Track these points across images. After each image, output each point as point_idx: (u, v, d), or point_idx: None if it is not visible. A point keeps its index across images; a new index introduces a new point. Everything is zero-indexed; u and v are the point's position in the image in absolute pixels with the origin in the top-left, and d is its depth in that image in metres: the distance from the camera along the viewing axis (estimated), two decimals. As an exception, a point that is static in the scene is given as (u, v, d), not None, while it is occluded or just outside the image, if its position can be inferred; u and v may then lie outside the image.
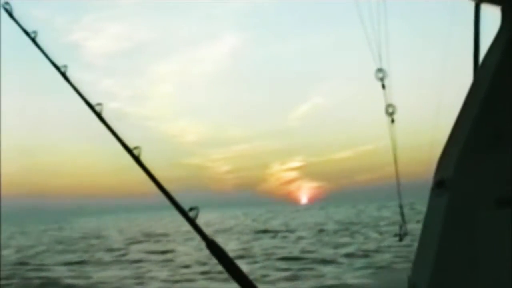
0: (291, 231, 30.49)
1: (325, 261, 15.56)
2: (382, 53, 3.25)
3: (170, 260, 17.78)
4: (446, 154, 2.77)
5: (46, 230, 49.41)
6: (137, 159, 2.25)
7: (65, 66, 2.43)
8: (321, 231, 29.00)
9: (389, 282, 11.37)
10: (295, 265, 15.07)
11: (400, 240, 3.47)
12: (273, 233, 29.29)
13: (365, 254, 16.55)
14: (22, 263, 18.41)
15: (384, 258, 15.36)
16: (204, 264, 16.30)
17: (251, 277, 2.01)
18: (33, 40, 2.48)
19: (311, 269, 14.24)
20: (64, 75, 2.43)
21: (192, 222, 2.15)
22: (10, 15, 2.52)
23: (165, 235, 33.09)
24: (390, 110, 3.25)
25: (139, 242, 28.14)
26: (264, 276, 13.46)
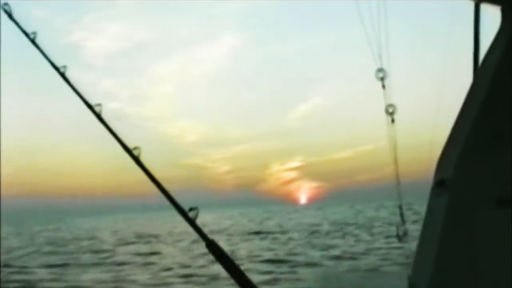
0: (284, 232, 30.40)
1: (309, 264, 15.24)
2: (382, 53, 3.27)
3: (153, 263, 17.52)
4: (446, 154, 2.78)
5: (41, 230, 49.16)
6: (136, 160, 2.26)
7: (65, 67, 2.44)
8: (313, 232, 29.00)
9: (388, 282, 11.40)
10: (277, 268, 14.78)
11: (399, 240, 3.49)
12: (265, 234, 28.97)
13: (352, 257, 16.42)
14: (6, 265, 18.19)
15: (370, 261, 15.12)
16: (186, 267, 16.24)
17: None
18: (33, 41, 2.49)
19: (293, 272, 13.90)
20: (63, 75, 2.44)
21: (191, 222, 2.17)
22: (10, 16, 2.53)
23: (157, 236, 33.03)
24: (390, 110, 3.27)
25: (129, 243, 28.00)
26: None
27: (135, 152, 2.27)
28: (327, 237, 24.92)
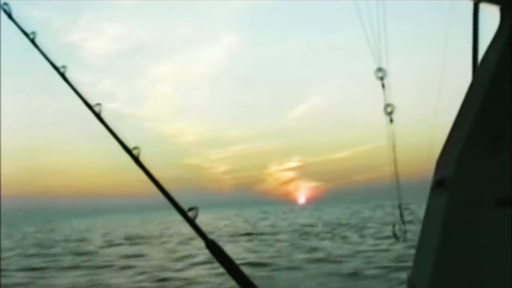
0: (274, 233, 30.29)
1: (289, 268, 14.79)
2: (382, 52, 3.30)
3: (133, 266, 17.21)
4: (445, 154, 2.80)
5: (35, 231, 48.91)
6: (136, 159, 2.28)
7: (64, 67, 2.47)
8: (304, 233, 28.87)
9: (388, 282, 11.43)
10: (255, 272, 14.31)
11: (397, 240, 3.52)
12: (255, 235, 28.58)
13: (335, 260, 16.14)
14: (-14, 268, 17.65)
15: (353, 264, 14.67)
16: (165, 270, 16.11)
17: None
18: (32, 41, 2.51)
19: (269, 277, 13.45)
20: (63, 75, 2.46)
21: (191, 222, 2.18)
22: (9, 16, 2.55)
23: (146, 237, 32.92)
24: (389, 109, 3.28)
25: (116, 245, 27.78)
26: (207, 283, 12.68)
27: (135, 152, 2.28)
28: (316, 239, 24.80)
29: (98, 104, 2.38)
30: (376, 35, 3.25)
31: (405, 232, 3.50)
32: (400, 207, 3.55)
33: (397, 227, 3.53)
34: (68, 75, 2.45)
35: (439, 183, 2.67)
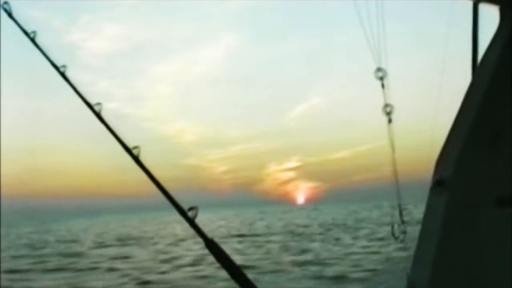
0: (267, 234, 30.29)
1: (274, 271, 14.53)
2: (381, 53, 3.31)
3: (117, 269, 17.20)
4: (445, 153, 2.82)
5: (32, 232, 48.59)
6: (136, 159, 2.29)
7: (64, 66, 2.48)
8: (298, 234, 28.78)
9: (388, 281, 11.34)
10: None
11: (396, 239, 3.53)
12: (248, 237, 28.31)
13: (322, 262, 16.03)
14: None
15: (339, 267, 14.50)
16: (149, 273, 15.97)
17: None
18: (33, 40, 2.52)
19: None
20: (63, 75, 2.48)
21: (191, 221, 2.19)
22: (10, 15, 2.56)
23: (139, 238, 32.85)
24: (388, 109, 3.29)
25: (107, 246, 27.58)
26: (188, 286, 12.42)
27: (135, 152, 2.29)
28: (308, 240, 24.68)
29: (98, 104, 2.38)
30: (375, 35, 3.26)
31: (404, 232, 3.48)
32: (399, 207, 3.54)
33: (396, 227, 3.52)
34: (68, 74, 2.46)
35: (439, 183, 2.67)
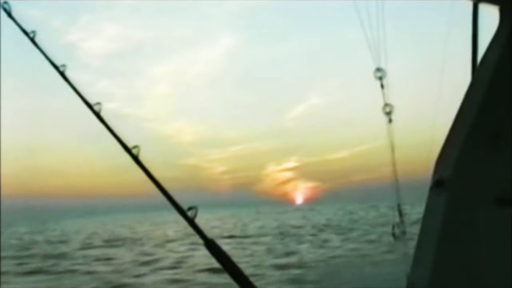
0: (258, 235, 30.15)
1: (252, 275, 13.86)
2: (381, 53, 3.32)
3: (95, 272, 17.01)
4: (444, 154, 2.83)
5: (25, 232, 48.22)
6: (136, 159, 2.30)
7: (64, 66, 2.49)
8: (288, 235, 28.71)
9: (388, 282, 10.45)
10: (216, 279, 13.55)
11: (395, 239, 3.55)
12: (237, 238, 27.95)
13: (305, 266, 15.80)
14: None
15: (320, 271, 14.43)
16: (124, 276, 15.78)
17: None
18: (32, 40, 2.54)
19: (224, 284, 12.60)
20: (63, 74, 2.49)
21: (190, 221, 2.20)
22: (9, 15, 2.57)
23: (128, 239, 32.72)
24: (388, 109, 3.29)
25: (93, 247, 27.34)
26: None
27: (134, 151, 2.30)
28: (297, 242, 24.51)
29: (98, 103, 2.38)
30: (375, 36, 3.27)
31: (404, 232, 3.48)
32: (398, 207, 3.54)
33: (396, 227, 3.52)
34: (68, 74, 2.48)
35: (439, 183, 2.68)
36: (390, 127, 3.29)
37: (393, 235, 3.60)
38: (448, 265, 2.45)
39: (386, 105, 3.29)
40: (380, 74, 3.34)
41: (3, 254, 24.86)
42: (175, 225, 44.95)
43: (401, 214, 3.60)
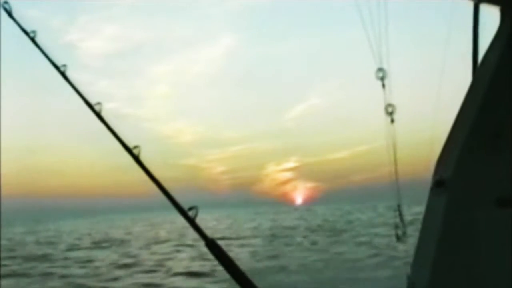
0: (249, 237, 29.83)
1: (225, 280, 13.31)
2: (383, 53, 3.33)
3: (69, 275, 16.54)
4: (445, 154, 2.86)
5: (19, 233, 47.97)
6: (136, 159, 2.32)
7: (65, 66, 2.51)
8: (279, 237, 28.32)
9: (388, 282, 11.12)
10: (184, 282, 13.17)
11: (398, 239, 3.49)
12: (227, 240, 27.59)
13: (284, 270, 15.15)
14: None
15: (298, 277, 14.26)
16: (99, 280, 15.36)
17: None
18: (33, 40, 2.56)
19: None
20: (63, 74, 2.51)
21: (191, 221, 2.21)
22: (10, 14, 2.59)
23: (117, 240, 32.34)
24: (390, 109, 3.31)
25: (80, 249, 27.01)
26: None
27: (135, 151, 2.32)
28: (285, 244, 24.06)
29: (99, 103, 2.40)
30: (377, 36, 3.28)
31: (404, 233, 3.47)
32: (399, 208, 3.55)
33: (398, 228, 3.52)
34: (68, 74, 2.49)
35: (439, 184, 2.71)
36: (392, 127, 3.32)
37: (396, 235, 3.57)
38: (448, 265, 2.47)
39: (388, 105, 3.31)
40: (381, 74, 3.36)
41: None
42: (171, 225, 44.52)
43: (401, 215, 3.60)
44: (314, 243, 23.57)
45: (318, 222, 41.15)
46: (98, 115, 2.38)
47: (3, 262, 20.74)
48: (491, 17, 2.88)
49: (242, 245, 23.82)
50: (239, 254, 19.81)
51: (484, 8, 3.09)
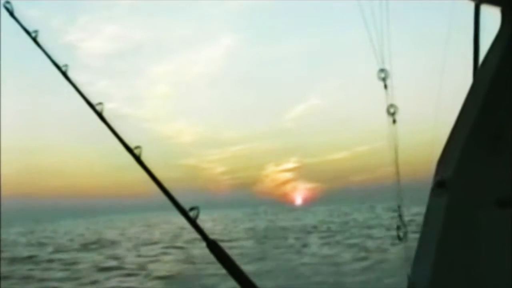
0: (240, 239, 29.57)
1: (204, 285, 13.12)
2: (384, 53, 3.32)
3: (47, 279, 16.49)
4: (446, 155, 2.88)
5: (14, 233, 47.70)
6: (138, 159, 2.33)
7: (66, 66, 2.52)
8: (270, 238, 28.15)
9: (388, 282, 11.14)
10: (161, 285, 12.78)
11: (400, 240, 3.50)
12: (219, 242, 26.98)
13: (262, 274, 14.79)
14: None
15: (270, 283, 13.65)
16: (76, 284, 15.23)
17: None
18: (34, 40, 2.56)
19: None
20: (65, 74, 2.52)
21: (192, 222, 2.21)
22: (11, 14, 2.59)
23: (108, 241, 32.19)
24: (392, 110, 3.30)
25: (67, 251, 26.71)
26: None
27: (136, 152, 2.31)
28: (275, 246, 23.75)
29: (100, 103, 2.40)
30: (379, 36, 3.27)
31: (405, 233, 3.47)
32: (399, 208, 3.57)
33: (400, 229, 3.53)
34: (70, 74, 2.49)
35: (440, 184, 2.72)
36: (394, 128, 3.32)
37: (398, 236, 3.55)
38: (448, 265, 2.49)
39: (390, 105, 3.29)
40: (383, 75, 3.34)
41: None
42: (167, 226, 44.13)
43: (401, 215, 3.60)
44: (305, 245, 23.44)
45: (314, 223, 41.05)
46: (100, 115, 2.39)
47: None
48: (492, 18, 2.92)
49: (231, 247, 23.43)
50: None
51: (485, 9, 3.11)
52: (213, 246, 2.17)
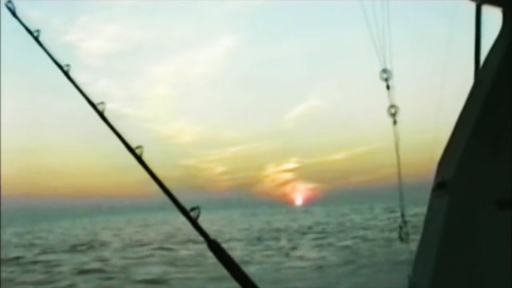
0: (233, 240, 29.25)
1: None
2: (386, 53, 3.31)
3: (22, 283, 16.15)
4: (447, 155, 2.90)
5: (10, 234, 47.45)
6: (139, 159, 2.34)
7: (68, 65, 2.53)
8: (262, 240, 28.01)
9: (389, 282, 10.98)
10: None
11: (401, 240, 3.52)
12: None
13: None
14: None
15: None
16: (52, 286, 14.90)
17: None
18: (36, 39, 2.56)
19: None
20: (67, 74, 2.53)
21: (193, 222, 2.24)
22: (13, 14, 2.60)
23: (98, 242, 31.96)
24: (393, 111, 3.30)
25: (54, 252, 26.39)
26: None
27: (138, 151, 2.32)
28: (266, 248, 23.50)
29: (102, 103, 2.41)
30: (381, 36, 3.25)
31: (407, 233, 3.46)
32: (401, 209, 3.55)
33: (402, 229, 3.50)
34: (72, 74, 2.51)
35: (441, 185, 2.73)
36: (395, 128, 3.31)
37: (400, 236, 3.54)
38: (449, 266, 2.51)
39: (391, 106, 3.29)
40: (385, 75, 3.33)
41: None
42: (164, 226, 43.71)
43: (403, 216, 3.57)
44: (294, 247, 23.27)
45: (309, 224, 40.91)
46: (102, 115, 2.40)
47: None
48: (493, 18, 2.93)
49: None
50: (209, 259, 19.05)
51: (486, 9, 3.12)
52: (214, 246, 2.18)
